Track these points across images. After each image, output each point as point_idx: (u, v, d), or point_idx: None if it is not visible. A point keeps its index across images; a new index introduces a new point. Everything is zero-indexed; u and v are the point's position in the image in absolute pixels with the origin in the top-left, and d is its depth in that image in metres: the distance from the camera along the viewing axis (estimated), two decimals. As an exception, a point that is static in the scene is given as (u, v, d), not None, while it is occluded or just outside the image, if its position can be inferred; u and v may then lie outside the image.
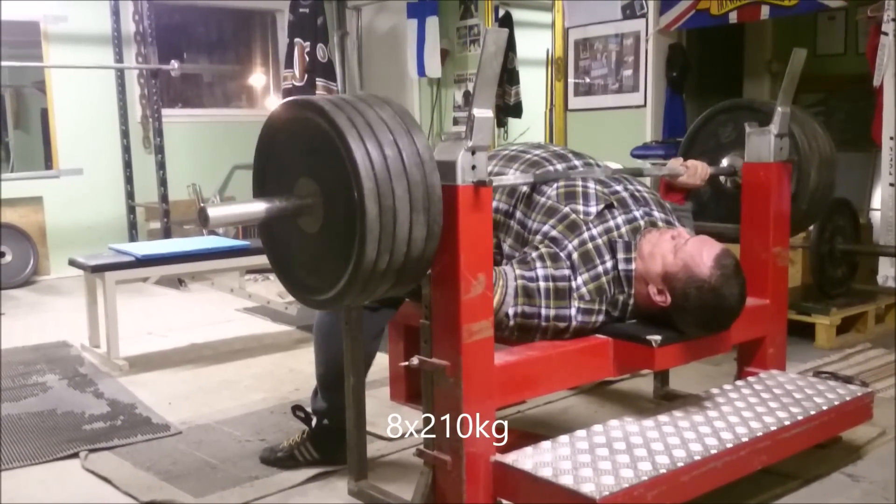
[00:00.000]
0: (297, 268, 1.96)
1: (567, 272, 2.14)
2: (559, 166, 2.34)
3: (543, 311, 2.12)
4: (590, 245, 2.18)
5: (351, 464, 2.26)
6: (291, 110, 1.88)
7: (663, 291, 2.17)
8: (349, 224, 1.72)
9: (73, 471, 2.61)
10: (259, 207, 1.85)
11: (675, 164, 2.69)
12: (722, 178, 2.89)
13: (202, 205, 1.73)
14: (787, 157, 2.66)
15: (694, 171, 2.66)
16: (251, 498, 2.35)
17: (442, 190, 1.83)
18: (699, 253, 2.14)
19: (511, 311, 2.11)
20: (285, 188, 1.90)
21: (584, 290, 2.15)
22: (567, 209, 2.21)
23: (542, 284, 2.12)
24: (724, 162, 2.88)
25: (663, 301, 2.17)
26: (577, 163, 2.38)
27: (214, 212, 1.78)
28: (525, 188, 2.28)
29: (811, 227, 3.97)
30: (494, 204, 2.21)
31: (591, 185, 2.28)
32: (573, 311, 2.14)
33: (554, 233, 2.18)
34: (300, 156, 1.88)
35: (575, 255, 2.15)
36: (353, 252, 1.72)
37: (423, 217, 1.76)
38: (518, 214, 2.26)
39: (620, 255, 2.20)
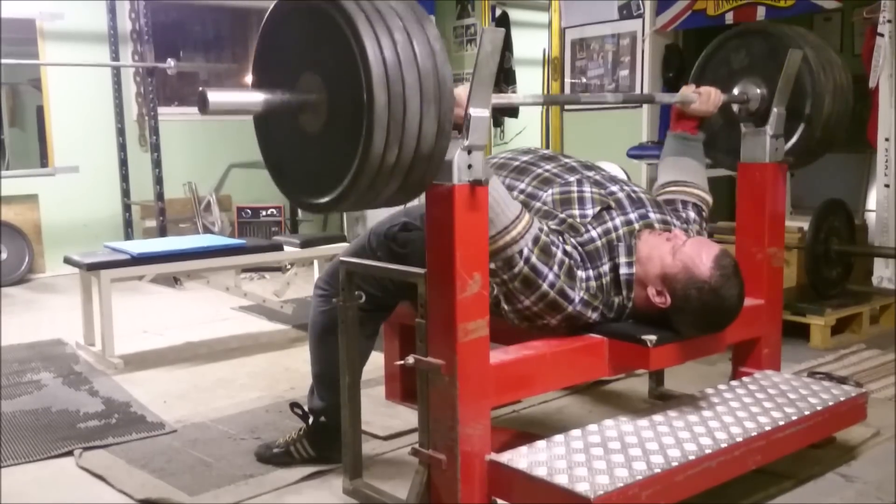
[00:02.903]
0: (295, 169, 1.88)
1: (579, 259, 2.14)
2: (548, 166, 2.34)
3: (551, 277, 2.07)
4: (591, 246, 2.18)
5: (346, 462, 2.26)
6: None
7: (662, 293, 2.17)
8: (356, 121, 1.63)
9: (68, 469, 2.60)
10: (258, 98, 1.78)
11: (688, 90, 2.60)
12: (735, 107, 2.76)
13: (202, 88, 1.68)
14: (783, 158, 2.66)
15: (707, 97, 2.57)
16: (246, 496, 2.35)
17: (437, 189, 1.83)
18: (698, 254, 2.15)
19: (526, 252, 2.03)
20: (288, 82, 1.81)
21: (591, 283, 2.15)
22: (563, 215, 2.21)
23: (560, 254, 2.09)
24: (736, 90, 2.76)
25: (663, 302, 2.17)
26: (566, 160, 2.38)
27: (214, 96, 1.70)
28: (520, 195, 2.27)
29: (807, 227, 3.99)
30: None
31: (587, 188, 2.28)
32: (577, 297, 2.12)
33: (556, 230, 2.17)
34: (305, 48, 1.79)
35: (581, 251, 2.15)
36: (360, 143, 1.63)
37: (434, 109, 1.67)
38: None
39: (622, 259, 2.20)
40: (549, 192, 2.26)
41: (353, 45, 1.62)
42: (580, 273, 2.13)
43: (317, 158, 1.81)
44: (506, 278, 2.07)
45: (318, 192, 1.79)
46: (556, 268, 2.08)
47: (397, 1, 1.71)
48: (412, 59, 1.65)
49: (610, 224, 2.23)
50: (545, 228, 2.10)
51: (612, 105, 5.98)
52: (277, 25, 1.85)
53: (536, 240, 2.05)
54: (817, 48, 2.71)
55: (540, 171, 2.32)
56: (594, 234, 2.20)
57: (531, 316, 2.14)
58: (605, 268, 2.19)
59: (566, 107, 6.31)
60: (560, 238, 2.13)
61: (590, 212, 2.22)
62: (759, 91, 2.68)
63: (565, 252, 2.11)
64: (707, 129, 2.70)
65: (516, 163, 2.38)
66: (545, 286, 2.07)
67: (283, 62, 1.85)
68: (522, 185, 2.29)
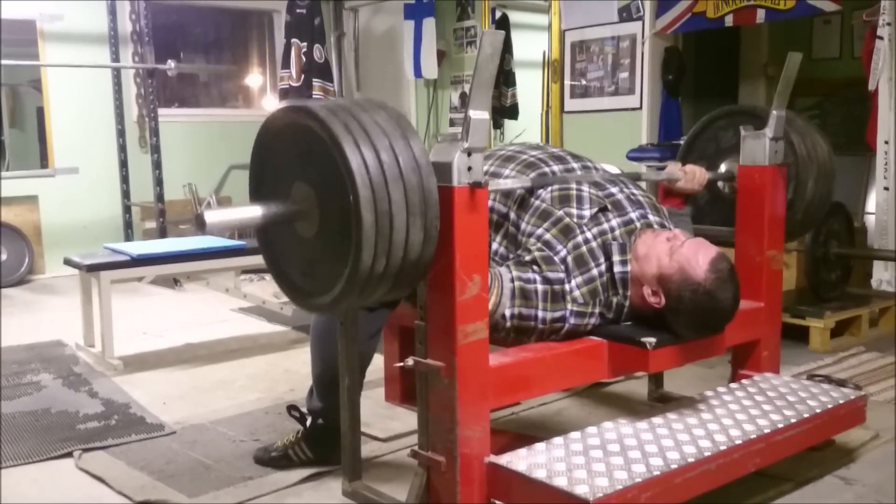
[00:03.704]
0: (294, 271, 1.96)
1: (562, 275, 2.14)
2: (556, 167, 2.34)
3: (540, 314, 2.12)
4: (584, 248, 2.18)
5: (345, 464, 2.26)
6: (287, 115, 1.89)
7: (657, 293, 2.18)
8: (345, 229, 1.72)
9: (67, 470, 2.60)
10: (256, 213, 1.86)
11: (674, 168, 2.70)
12: (720, 184, 2.89)
13: (199, 210, 1.74)
14: (783, 160, 2.67)
15: (692, 176, 2.66)
16: (245, 498, 2.35)
17: (438, 191, 1.84)
18: (694, 256, 2.15)
19: (508, 313, 2.11)
20: (281, 192, 1.90)
21: (577, 293, 2.15)
22: (561, 213, 2.21)
23: (539, 287, 2.12)
24: (723, 167, 2.88)
25: (657, 302, 2.18)
26: (574, 165, 2.38)
27: (211, 217, 1.79)
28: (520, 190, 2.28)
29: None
30: (490, 203, 2.21)
31: (586, 188, 2.29)
32: (567, 314, 2.15)
33: (548, 236, 2.18)
34: (296, 161, 1.88)
35: (569, 259, 2.16)
36: (350, 257, 1.72)
37: (420, 221, 1.76)
38: (512, 216, 2.26)
39: (616, 258, 2.21)
40: (549, 188, 2.26)
41: (341, 166, 1.71)
42: (566, 287, 2.15)
43: (312, 262, 1.89)
44: (502, 335, 2.15)
45: (315, 294, 1.89)
46: (540, 304, 2.12)
47: (384, 115, 1.80)
48: (398, 175, 1.73)
49: (606, 225, 2.24)
50: (513, 273, 2.13)
51: (611, 107, 6.00)
52: (271, 139, 1.95)
53: (513, 293, 2.11)
54: (803, 133, 2.82)
55: (546, 169, 2.33)
56: (589, 235, 2.20)
57: (538, 341, 2.19)
58: (602, 268, 2.19)
59: (566, 108, 6.31)
60: (533, 269, 2.15)
61: (587, 213, 2.23)
62: None
63: (544, 281, 2.13)
64: (693, 204, 2.80)
65: (524, 156, 2.39)
66: (539, 325, 2.14)
67: (277, 173, 1.94)
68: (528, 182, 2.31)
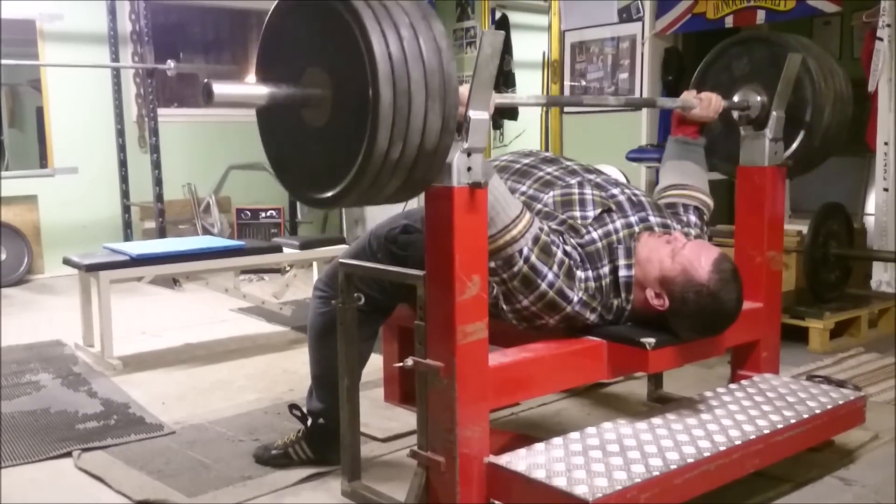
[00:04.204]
0: (298, 163, 1.88)
1: (578, 260, 2.14)
2: (549, 169, 2.34)
3: (551, 276, 2.07)
4: (591, 247, 2.18)
5: (344, 464, 2.26)
6: None
7: (661, 295, 2.17)
8: (360, 116, 1.63)
9: (66, 470, 2.60)
10: (262, 91, 1.77)
11: (689, 96, 2.61)
12: (734, 114, 2.77)
13: (207, 80, 1.69)
14: (782, 160, 2.67)
15: (708, 103, 2.58)
16: (244, 498, 2.35)
17: (437, 191, 1.84)
18: (697, 257, 2.15)
19: (525, 251, 2.03)
20: (292, 76, 1.80)
21: (589, 283, 2.15)
22: (564, 216, 2.21)
23: (559, 254, 2.09)
24: (737, 97, 2.76)
25: (661, 305, 2.17)
26: (567, 163, 2.38)
27: (219, 88, 1.70)
28: (521, 198, 2.27)
29: (806, 231, 3.99)
30: None
31: (588, 190, 2.28)
32: (575, 297, 2.12)
33: (557, 230, 2.17)
34: (311, 43, 1.79)
35: (582, 252, 2.16)
36: (364, 139, 1.62)
37: (439, 106, 1.67)
38: None
39: (621, 262, 2.20)
40: (551, 194, 2.26)
41: (360, 40, 1.62)
42: (580, 273, 2.13)
43: (320, 153, 1.80)
44: (505, 277, 2.07)
45: (321, 188, 1.79)
46: (555, 267, 2.08)
47: None
48: (418, 55, 1.64)
49: (611, 226, 2.23)
50: (545, 228, 2.11)
51: (611, 108, 5.99)
52: (282, 19, 1.85)
53: (536, 239, 2.05)
54: (819, 57, 2.72)
55: (541, 173, 2.33)
56: (595, 235, 2.20)
57: (529, 316, 2.14)
58: (605, 270, 2.19)
59: (566, 109, 6.31)
60: (560, 238, 2.13)
61: (591, 214, 2.23)
62: (759, 98, 2.69)
63: (565, 252, 2.11)
64: (707, 135, 2.71)
65: (517, 165, 2.38)
66: (544, 286, 2.07)
67: (288, 56, 1.84)
68: (524, 188, 2.30)
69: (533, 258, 2.04)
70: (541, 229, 2.08)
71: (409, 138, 1.65)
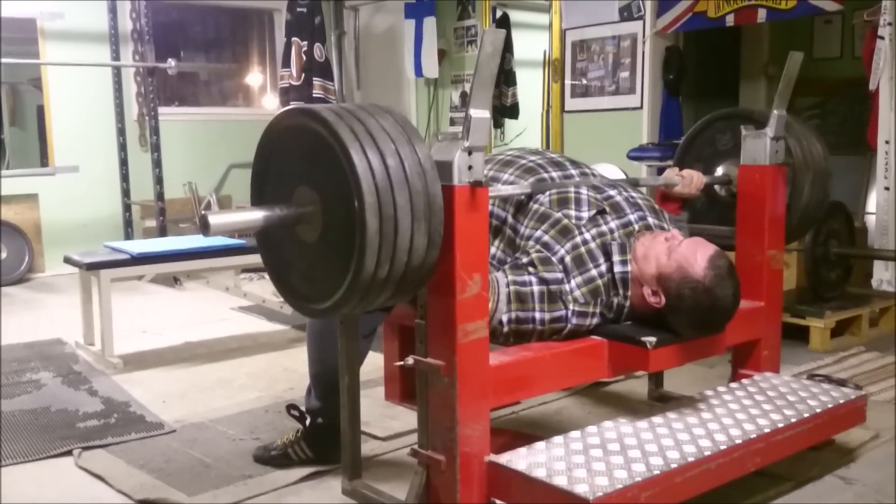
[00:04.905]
0: (295, 276, 1.96)
1: (560, 275, 2.14)
2: (554, 173, 2.34)
3: (538, 315, 2.12)
4: (582, 249, 2.18)
5: (345, 463, 2.26)
6: (292, 118, 1.88)
7: (657, 293, 2.18)
8: (349, 234, 1.71)
9: (67, 468, 2.60)
10: (258, 216, 1.85)
11: (671, 174, 2.71)
12: (717, 187, 2.89)
13: (203, 212, 1.75)
14: (783, 160, 2.67)
15: (689, 180, 2.67)
16: (244, 497, 2.35)
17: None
18: (693, 254, 2.15)
19: (505, 318, 2.11)
20: (284, 196, 1.89)
21: (577, 293, 2.15)
22: (559, 214, 2.22)
23: (535, 289, 2.12)
24: (720, 171, 2.87)
25: (657, 302, 2.18)
26: (572, 171, 2.39)
27: (215, 219, 1.77)
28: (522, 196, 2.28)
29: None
30: (489, 208, 2.20)
31: (584, 191, 2.30)
32: (568, 314, 2.14)
33: (546, 238, 2.18)
34: (300, 164, 1.87)
35: (568, 259, 2.16)
36: (352, 263, 1.71)
37: (425, 226, 1.75)
38: (511, 220, 2.27)
39: (616, 258, 2.21)
40: (548, 192, 2.27)
41: (347, 171, 1.70)
42: (564, 288, 2.14)
43: (314, 266, 1.87)
44: (501, 340, 2.15)
45: (316, 299, 1.88)
46: (537, 306, 2.12)
47: (391, 120, 1.79)
48: (403, 180, 1.72)
49: (605, 227, 2.24)
50: (509, 278, 2.13)
51: (611, 106, 6.00)
52: (274, 141, 1.93)
53: (509, 298, 2.11)
54: (800, 137, 2.81)
55: (545, 175, 2.33)
56: (587, 236, 2.21)
57: (540, 341, 2.19)
58: (603, 268, 2.19)
59: (567, 108, 6.31)
60: (529, 271, 2.15)
61: (585, 214, 2.24)
62: None
63: (540, 282, 2.13)
64: (690, 208, 2.79)
65: (523, 161, 2.39)
66: (537, 327, 2.14)
67: (280, 176, 1.93)
68: (525, 184, 2.31)
69: (514, 315, 2.12)
70: (507, 284, 2.12)
71: (396, 258, 1.74)
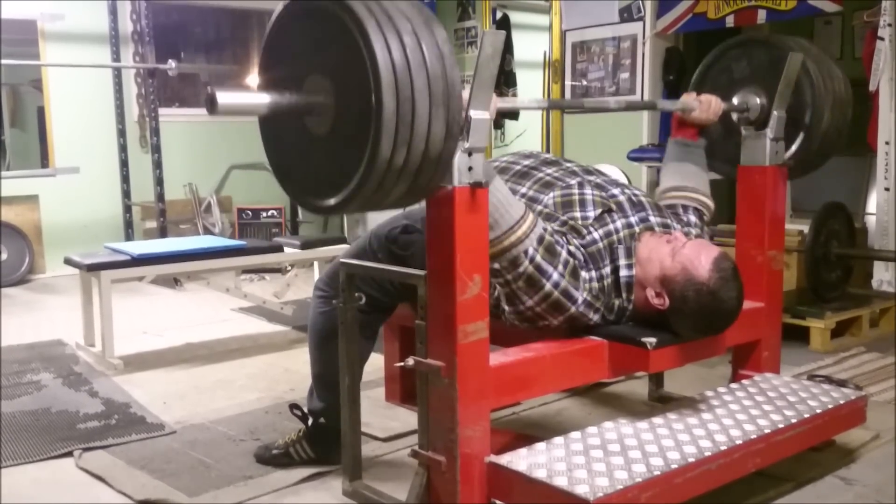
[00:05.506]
0: (301, 170, 1.87)
1: (582, 261, 2.14)
2: (551, 170, 2.34)
3: (556, 276, 2.07)
4: (593, 248, 2.18)
5: (345, 464, 2.26)
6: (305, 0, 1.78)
7: (661, 294, 2.17)
8: (363, 124, 1.62)
9: (68, 469, 2.60)
10: (265, 99, 1.77)
11: (688, 98, 2.62)
12: (734, 115, 2.77)
13: (210, 89, 1.68)
14: (783, 161, 2.67)
15: (707, 105, 2.59)
16: (245, 497, 2.35)
17: (438, 191, 1.83)
18: (697, 256, 2.15)
19: (530, 251, 2.03)
20: (294, 84, 1.79)
21: (592, 284, 2.15)
22: (564, 217, 2.21)
23: (564, 255, 2.09)
24: (736, 99, 2.76)
25: (661, 304, 2.17)
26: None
27: (223, 97, 1.69)
28: (521, 199, 2.26)
29: (807, 230, 3.99)
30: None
31: (588, 191, 2.28)
32: (580, 298, 2.12)
33: (557, 236, 2.17)
34: (313, 50, 1.78)
35: (583, 252, 2.16)
36: (368, 147, 1.61)
37: (443, 112, 1.66)
38: None
39: (622, 262, 2.20)
40: (551, 195, 2.26)
41: (363, 48, 1.61)
42: (584, 274, 2.13)
43: (323, 160, 1.80)
44: (510, 278, 2.06)
45: (324, 195, 1.78)
46: (560, 267, 2.08)
47: (406, 2, 1.70)
48: (421, 62, 1.63)
49: (611, 226, 2.23)
50: (549, 228, 2.11)
51: (612, 110, 5.99)
52: (285, 26, 1.84)
53: (541, 239, 2.05)
54: (819, 60, 2.72)
55: (541, 175, 2.33)
56: (596, 235, 2.20)
57: (533, 317, 2.14)
58: (607, 270, 2.19)
59: (567, 110, 6.31)
60: (564, 238, 2.14)
61: (591, 214, 2.23)
62: (758, 101, 2.69)
63: (570, 252, 2.11)
64: (706, 137, 2.71)
65: (518, 167, 2.38)
66: (549, 286, 2.07)
67: (290, 64, 1.83)
68: (524, 190, 2.30)
69: (538, 258, 2.04)
70: (545, 229, 2.08)
71: (413, 145, 1.64)
